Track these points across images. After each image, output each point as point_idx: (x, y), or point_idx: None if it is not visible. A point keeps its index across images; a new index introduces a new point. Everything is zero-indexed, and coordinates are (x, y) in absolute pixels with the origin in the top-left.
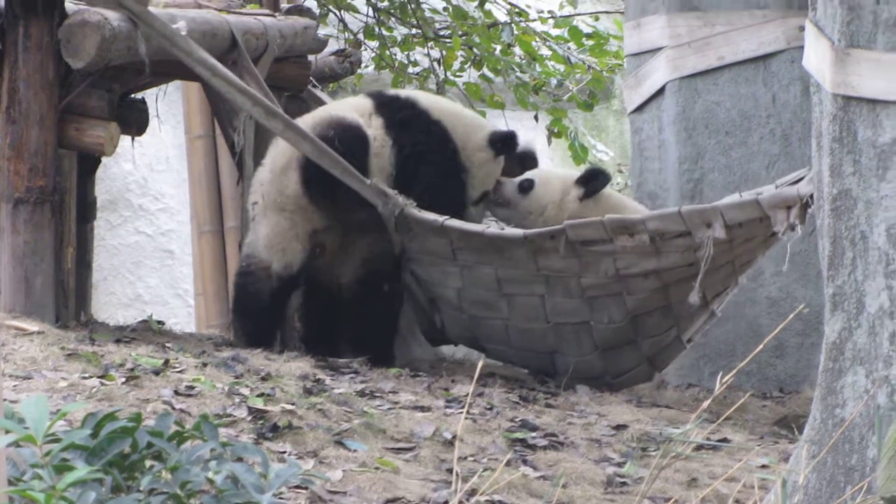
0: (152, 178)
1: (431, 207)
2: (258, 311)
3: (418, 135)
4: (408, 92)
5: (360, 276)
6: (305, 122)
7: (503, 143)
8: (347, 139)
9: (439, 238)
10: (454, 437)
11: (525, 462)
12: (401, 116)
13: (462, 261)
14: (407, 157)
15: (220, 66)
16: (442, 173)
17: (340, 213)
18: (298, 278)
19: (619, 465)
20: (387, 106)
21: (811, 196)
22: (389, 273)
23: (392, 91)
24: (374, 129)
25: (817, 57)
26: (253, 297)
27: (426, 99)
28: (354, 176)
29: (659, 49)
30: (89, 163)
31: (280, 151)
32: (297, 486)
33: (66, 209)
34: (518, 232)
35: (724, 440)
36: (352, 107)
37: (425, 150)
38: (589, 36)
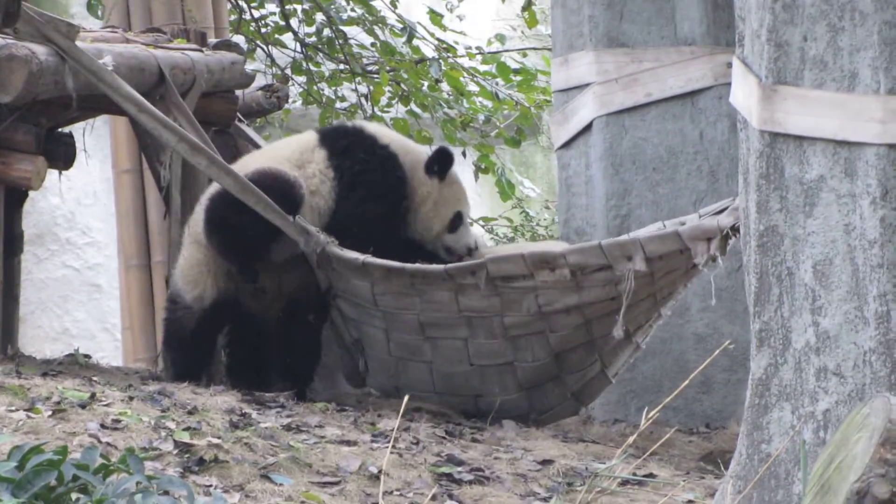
0: (80, 211)
1: (361, 232)
2: (181, 342)
3: (361, 158)
4: (356, 122)
5: (286, 308)
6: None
7: (438, 162)
8: (277, 188)
9: (361, 280)
10: (380, 471)
11: (451, 496)
12: (345, 143)
13: (383, 305)
14: (346, 183)
15: (145, 101)
16: (379, 196)
17: (249, 255)
18: (218, 312)
19: (545, 499)
20: (330, 136)
21: (732, 227)
22: (314, 304)
23: (339, 122)
24: (316, 163)
25: (744, 93)
26: (176, 327)
27: (374, 127)
28: (277, 213)
29: (586, 85)
30: (17, 196)
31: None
32: None
33: None
34: (439, 267)
35: (650, 475)
36: (296, 143)
37: (365, 170)
38: (517, 72)
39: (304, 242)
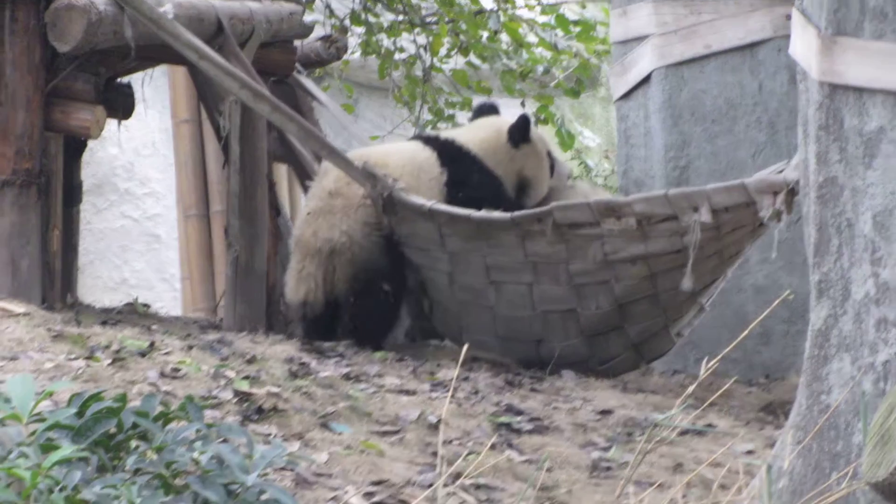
0: (139, 162)
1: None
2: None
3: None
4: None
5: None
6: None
7: (518, 133)
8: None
9: (427, 223)
10: (439, 420)
11: (510, 446)
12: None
13: (450, 247)
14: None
15: (206, 48)
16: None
17: None
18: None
19: (605, 449)
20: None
21: (797, 183)
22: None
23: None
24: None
25: (804, 45)
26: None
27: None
28: (343, 158)
29: (645, 37)
30: (76, 146)
31: None
32: (283, 468)
33: (53, 192)
34: (505, 215)
35: (710, 426)
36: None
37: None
38: (576, 23)
39: (371, 187)
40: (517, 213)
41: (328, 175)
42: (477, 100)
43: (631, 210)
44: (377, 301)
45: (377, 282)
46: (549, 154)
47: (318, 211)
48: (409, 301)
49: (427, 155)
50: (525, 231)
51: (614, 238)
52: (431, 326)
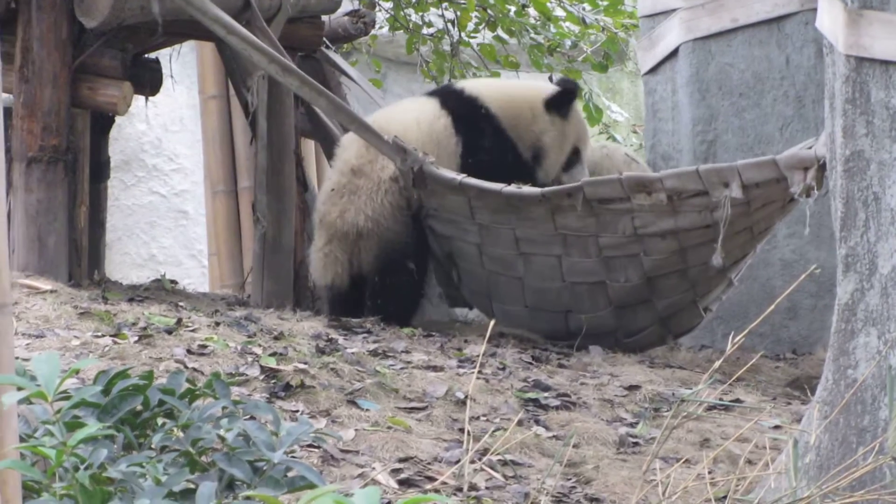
0: (166, 138)
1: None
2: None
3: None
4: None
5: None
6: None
7: (559, 101)
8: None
9: (457, 196)
10: (466, 396)
11: (537, 422)
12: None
13: (480, 219)
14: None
15: (234, 23)
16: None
17: None
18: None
19: (632, 425)
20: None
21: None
22: (413, 252)
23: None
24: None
25: (830, 18)
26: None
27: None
28: (372, 132)
29: (673, 10)
30: (103, 122)
31: None
32: (310, 445)
33: (80, 168)
34: (535, 190)
35: (737, 401)
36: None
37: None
38: None
39: (401, 161)
40: (547, 189)
41: (350, 149)
42: (505, 75)
43: (661, 185)
44: (402, 280)
45: (402, 261)
46: (577, 151)
47: (341, 188)
48: (437, 270)
49: (444, 123)
50: (555, 205)
51: (644, 213)
52: (460, 295)
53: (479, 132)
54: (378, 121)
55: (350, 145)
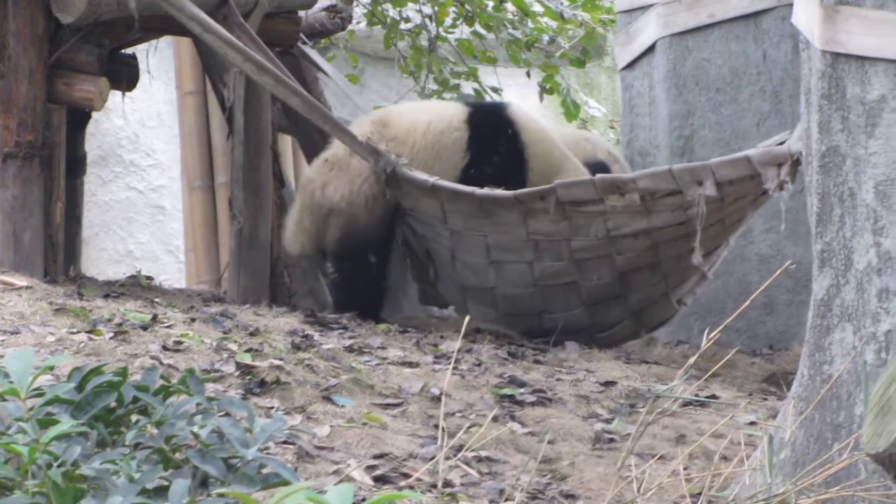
0: (143, 133)
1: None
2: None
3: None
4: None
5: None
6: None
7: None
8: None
9: (430, 199)
10: (442, 392)
11: (513, 418)
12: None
13: (452, 224)
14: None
15: (210, 20)
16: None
17: None
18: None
19: (607, 421)
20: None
21: (801, 154)
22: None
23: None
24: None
25: (807, 14)
26: None
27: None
28: (345, 132)
29: (650, 6)
30: (79, 118)
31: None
32: (285, 442)
33: (56, 164)
34: (508, 193)
35: (713, 397)
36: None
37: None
38: None
39: (374, 162)
40: (520, 191)
41: (359, 127)
42: (482, 70)
43: (635, 186)
44: (359, 269)
45: (363, 251)
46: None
47: (335, 161)
48: (415, 267)
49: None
50: (528, 209)
51: (617, 214)
52: (437, 292)
53: (497, 154)
54: (392, 112)
55: (361, 124)
